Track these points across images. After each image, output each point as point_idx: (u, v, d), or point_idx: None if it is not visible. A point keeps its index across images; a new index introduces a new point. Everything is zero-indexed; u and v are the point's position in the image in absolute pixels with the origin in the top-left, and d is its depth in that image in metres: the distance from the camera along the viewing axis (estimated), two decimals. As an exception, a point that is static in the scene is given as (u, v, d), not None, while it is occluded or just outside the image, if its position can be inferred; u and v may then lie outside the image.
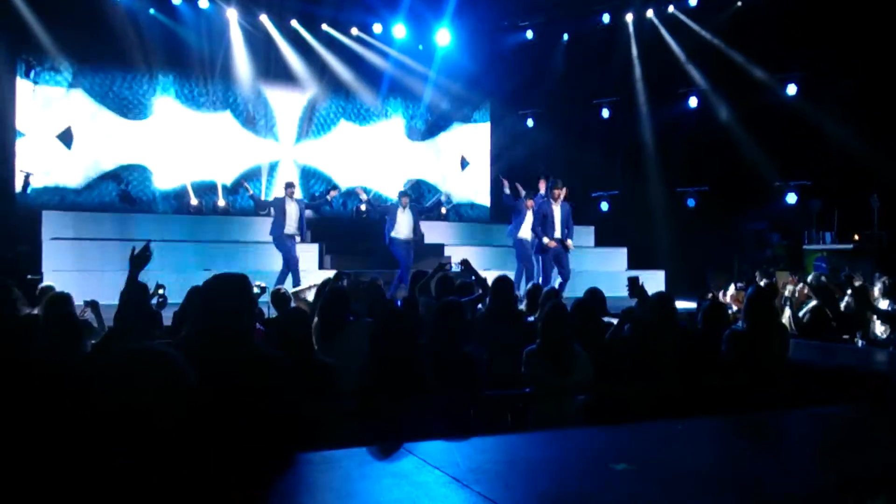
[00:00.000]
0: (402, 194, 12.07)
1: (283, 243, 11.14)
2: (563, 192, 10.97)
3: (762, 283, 7.92)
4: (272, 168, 15.53)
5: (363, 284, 6.69)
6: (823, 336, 7.02)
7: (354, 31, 15.52)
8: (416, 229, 11.83)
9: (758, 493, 2.57)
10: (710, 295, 7.13)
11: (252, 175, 15.21)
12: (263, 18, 14.80)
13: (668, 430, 3.50)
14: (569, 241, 11.02)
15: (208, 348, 2.88)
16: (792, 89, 13.40)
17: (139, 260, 4.00)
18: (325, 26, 15.25)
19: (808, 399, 4.32)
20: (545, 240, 10.82)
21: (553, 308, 4.55)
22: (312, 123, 16.02)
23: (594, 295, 5.58)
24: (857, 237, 12.05)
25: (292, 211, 11.24)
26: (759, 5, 13.10)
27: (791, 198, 13.52)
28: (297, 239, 11.46)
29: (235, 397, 2.78)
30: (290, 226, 11.21)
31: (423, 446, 2.99)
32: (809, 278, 8.31)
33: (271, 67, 15.10)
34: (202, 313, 2.97)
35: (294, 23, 15.06)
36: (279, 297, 6.26)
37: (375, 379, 3.84)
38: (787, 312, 7.74)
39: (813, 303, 7.56)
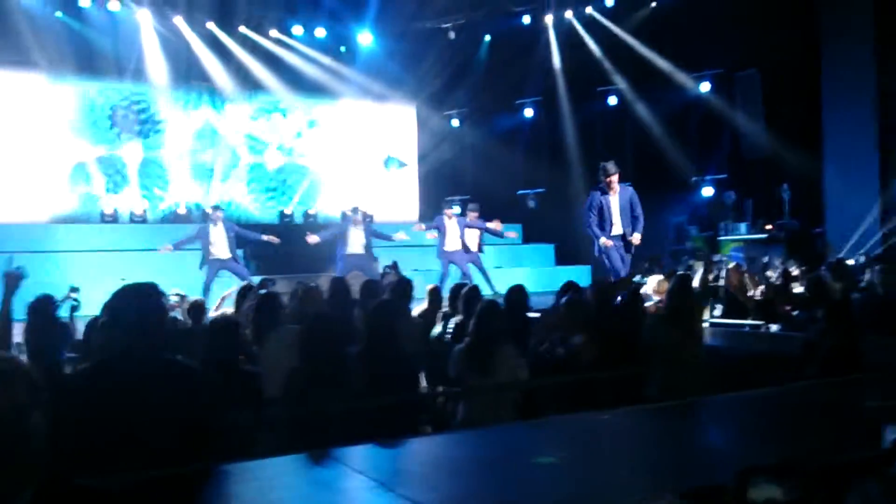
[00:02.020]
0: (354, 211, 11.47)
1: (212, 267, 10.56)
2: (615, 178, 9.09)
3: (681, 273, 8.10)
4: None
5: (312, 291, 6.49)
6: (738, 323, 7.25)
7: (273, 32, 15.26)
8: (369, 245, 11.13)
9: (674, 477, 2.62)
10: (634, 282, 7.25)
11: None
12: (178, 20, 14.41)
13: (594, 422, 3.55)
14: (634, 236, 9.06)
15: (120, 361, 2.78)
16: (706, 86, 13.81)
17: (11, 281, 3.71)
18: (242, 28, 14.95)
19: (724, 384, 4.44)
20: (602, 240, 8.98)
21: (485, 306, 4.57)
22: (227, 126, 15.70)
23: (518, 291, 5.60)
24: (769, 227, 12.50)
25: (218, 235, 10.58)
26: (674, 5, 13.46)
27: (707, 191, 13.95)
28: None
29: (150, 410, 2.68)
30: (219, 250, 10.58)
31: (348, 452, 2.95)
32: (728, 267, 8.55)
33: (188, 70, 14.70)
34: (111, 325, 2.86)
35: (210, 25, 14.71)
36: (196, 308, 6.10)
37: (303, 385, 3.78)
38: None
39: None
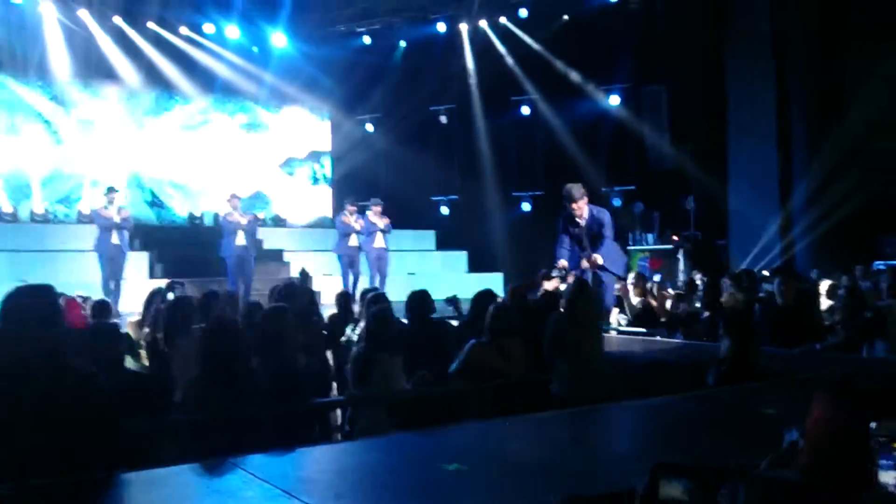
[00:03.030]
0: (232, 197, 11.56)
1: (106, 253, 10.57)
2: (582, 203, 7.38)
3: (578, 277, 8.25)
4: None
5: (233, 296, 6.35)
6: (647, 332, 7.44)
7: (183, 30, 14.83)
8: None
9: (579, 483, 2.68)
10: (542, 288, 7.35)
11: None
12: (83, 14, 13.83)
13: (498, 428, 3.60)
14: (594, 256, 7.29)
15: (14, 365, 2.66)
16: (615, 100, 14.21)
17: None
18: (150, 24, 14.47)
19: (629, 391, 4.57)
20: (560, 262, 7.41)
21: (374, 313, 4.55)
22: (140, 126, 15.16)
23: (419, 298, 5.55)
24: (675, 237, 12.95)
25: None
26: (585, 19, 13.83)
27: (616, 201, 14.34)
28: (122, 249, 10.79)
29: (45, 416, 2.57)
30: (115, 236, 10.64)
31: (251, 459, 2.90)
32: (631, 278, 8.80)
33: (92, 66, 14.11)
34: (2, 329, 2.73)
35: (117, 19, 14.17)
36: (100, 310, 5.87)
37: (204, 391, 3.68)
38: (616, 310, 8.19)
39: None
